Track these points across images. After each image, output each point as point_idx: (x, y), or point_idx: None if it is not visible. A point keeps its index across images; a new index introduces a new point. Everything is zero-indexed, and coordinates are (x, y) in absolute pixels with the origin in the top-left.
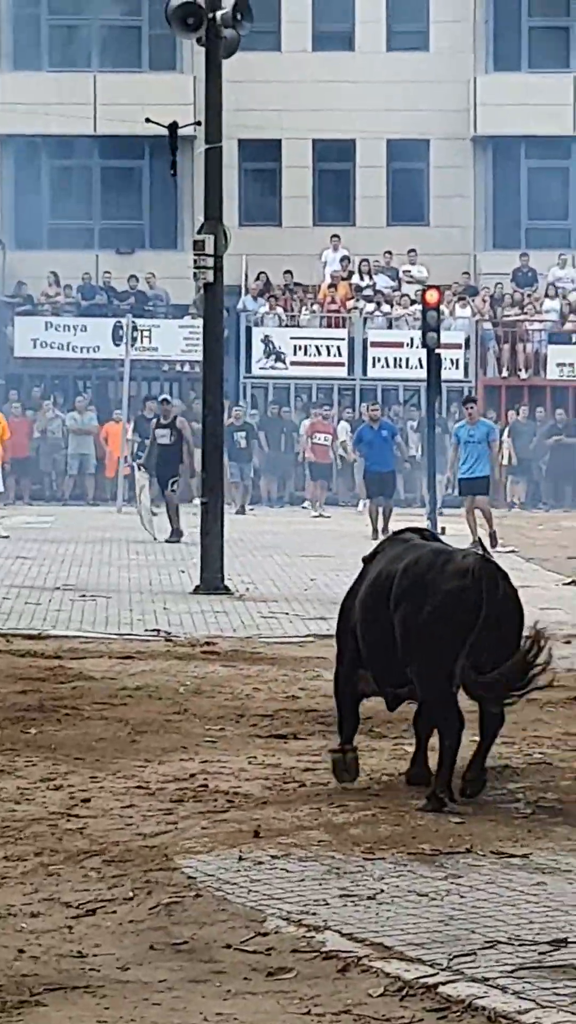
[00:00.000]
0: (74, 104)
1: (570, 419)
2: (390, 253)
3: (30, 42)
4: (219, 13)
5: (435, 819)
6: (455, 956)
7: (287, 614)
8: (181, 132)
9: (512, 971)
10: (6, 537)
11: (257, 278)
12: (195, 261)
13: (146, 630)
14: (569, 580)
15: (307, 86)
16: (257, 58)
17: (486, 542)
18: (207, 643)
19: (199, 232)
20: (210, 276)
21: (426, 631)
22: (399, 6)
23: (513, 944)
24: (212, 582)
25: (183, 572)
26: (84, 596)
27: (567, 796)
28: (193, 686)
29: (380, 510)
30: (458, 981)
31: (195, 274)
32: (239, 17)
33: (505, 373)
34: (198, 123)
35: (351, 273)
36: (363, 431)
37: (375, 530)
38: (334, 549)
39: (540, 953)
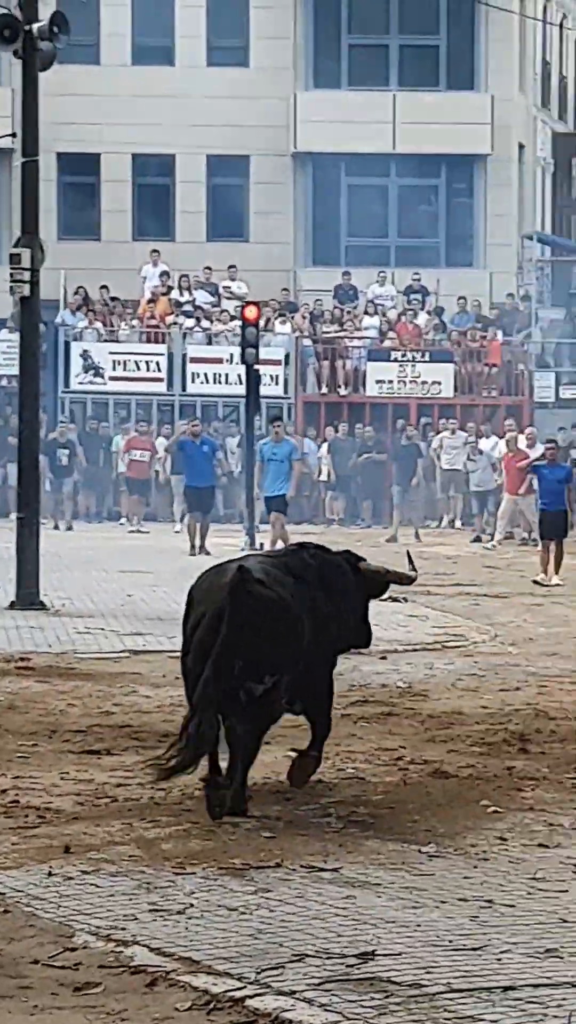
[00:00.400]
0: None
1: (377, 436)
2: (210, 269)
3: None
4: (36, 26)
5: (246, 834)
6: (263, 970)
7: (103, 630)
8: None
9: (319, 984)
10: None
11: (76, 292)
12: (11, 275)
13: None
14: (386, 596)
15: (126, 100)
16: (76, 71)
17: None
18: (21, 659)
19: (15, 246)
20: (26, 290)
21: None
22: (219, 22)
23: (321, 957)
24: (28, 598)
25: None
26: None
27: (378, 811)
28: (6, 702)
29: (199, 526)
30: (265, 994)
31: (11, 288)
32: (56, 30)
33: (324, 390)
34: (13, 135)
35: (170, 288)
36: (184, 445)
37: (193, 546)
38: (151, 565)
39: (348, 966)
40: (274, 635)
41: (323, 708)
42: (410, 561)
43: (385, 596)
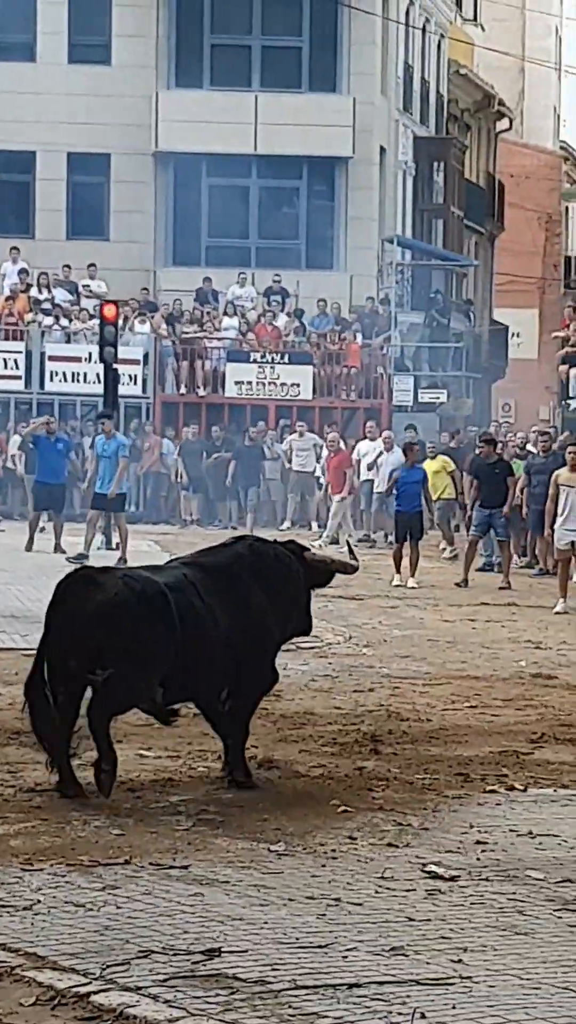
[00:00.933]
0: None
1: (228, 436)
2: (69, 267)
3: None
4: None
5: (96, 831)
6: (109, 966)
7: None
8: None
9: (165, 980)
10: None
11: None
12: None
13: None
14: None
15: None
16: None
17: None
18: None
19: None
20: None
21: None
22: (81, 19)
23: (167, 954)
24: None
25: None
26: None
27: (228, 809)
28: None
29: (53, 524)
30: (110, 990)
31: None
32: None
33: (183, 390)
34: None
35: (29, 286)
36: (38, 441)
37: (31, 540)
38: (6, 563)
39: (194, 963)
40: (107, 633)
41: (246, 697)
42: (351, 552)
43: None
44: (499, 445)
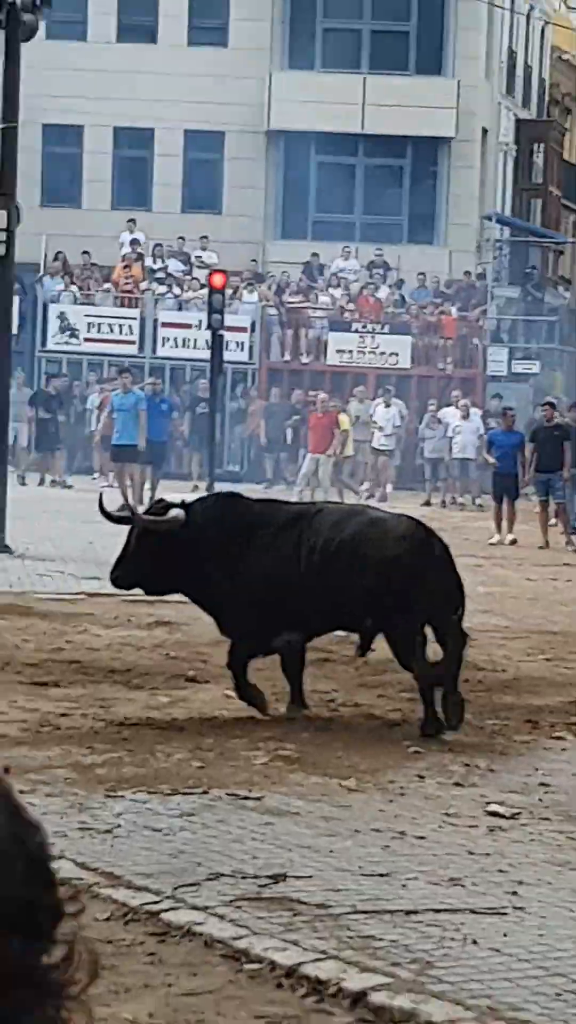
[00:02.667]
0: None
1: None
2: (183, 239)
3: None
4: (15, 1)
5: (178, 763)
6: (180, 886)
7: (62, 573)
8: None
9: (231, 901)
10: None
11: (55, 258)
12: None
13: None
14: None
15: (110, 75)
16: (64, 47)
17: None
18: None
19: None
20: (1, 250)
21: None
22: (201, 3)
23: (236, 877)
24: None
25: None
26: None
27: (305, 747)
28: None
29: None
30: (180, 908)
31: None
32: (38, 3)
33: (288, 357)
34: None
35: (141, 255)
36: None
37: (124, 496)
38: (95, 515)
39: (260, 886)
40: None
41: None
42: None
43: None
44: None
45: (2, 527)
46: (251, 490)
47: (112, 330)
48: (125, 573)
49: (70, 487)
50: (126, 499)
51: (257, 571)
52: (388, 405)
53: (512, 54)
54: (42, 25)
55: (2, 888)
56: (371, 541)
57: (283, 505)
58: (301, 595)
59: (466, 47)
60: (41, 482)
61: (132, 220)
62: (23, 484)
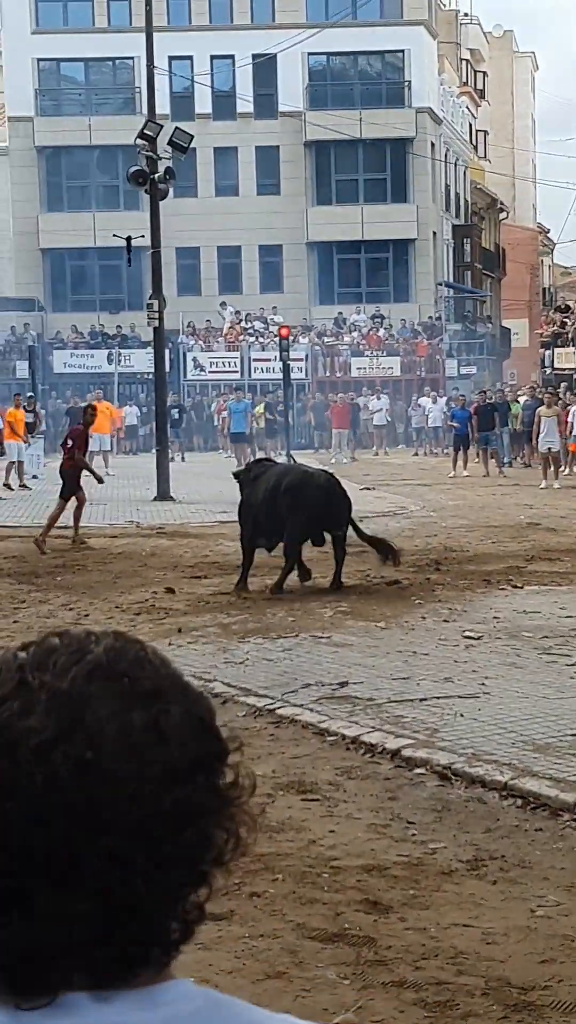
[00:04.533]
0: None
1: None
2: (263, 308)
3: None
4: (155, 175)
5: (279, 618)
6: (285, 693)
7: (205, 510)
8: (137, 243)
9: (316, 700)
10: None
11: (188, 325)
12: (148, 316)
13: (126, 521)
14: (362, 487)
15: (213, 216)
16: (184, 201)
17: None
18: (159, 528)
19: (149, 299)
20: (156, 323)
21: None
22: (262, 169)
23: (318, 686)
24: (164, 494)
25: (148, 489)
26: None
27: (353, 604)
28: (150, 551)
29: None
30: (286, 706)
31: (148, 322)
32: (168, 178)
33: (327, 373)
34: (141, 236)
35: (239, 320)
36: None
37: (239, 462)
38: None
39: (332, 690)
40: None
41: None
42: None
43: (361, 487)
44: (487, 395)
45: (168, 486)
46: (305, 454)
47: (224, 365)
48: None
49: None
50: (240, 464)
51: (252, 501)
52: (379, 398)
53: (447, 186)
54: (171, 190)
55: (187, 750)
56: (296, 484)
57: (273, 465)
58: (264, 517)
59: (420, 185)
60: (182, 459)
61: (223, 303)
62: (183, 460)
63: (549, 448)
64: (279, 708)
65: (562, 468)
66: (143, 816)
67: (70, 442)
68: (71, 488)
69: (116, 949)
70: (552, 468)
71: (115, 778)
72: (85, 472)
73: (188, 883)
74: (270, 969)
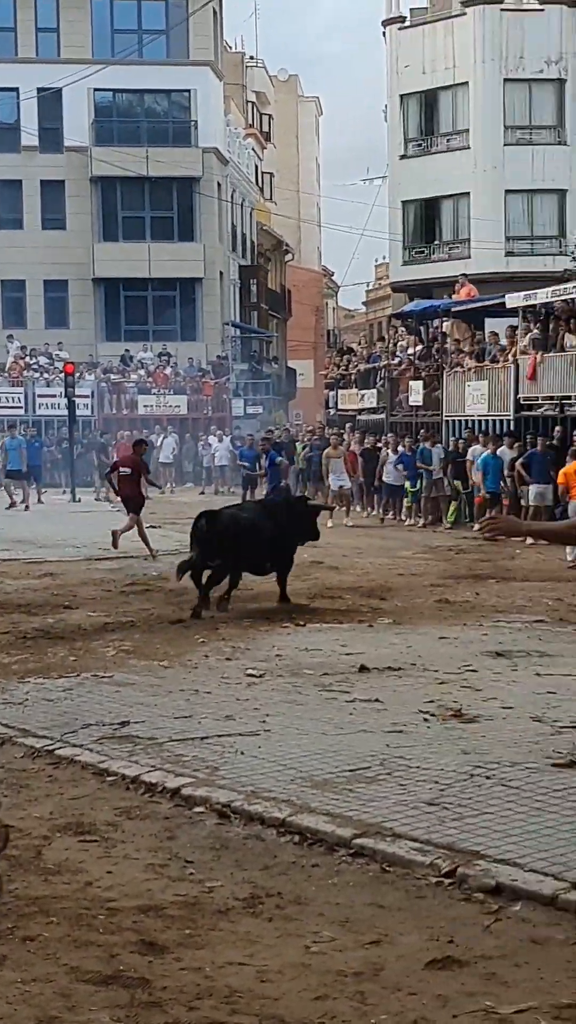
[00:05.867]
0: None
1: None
2: (48, 344)
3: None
4: None
5: (60, 658)
6: (65, 734)
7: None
8: None
9: (96, 740)
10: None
11: None
12: None
13: None
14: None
15: None
16: None
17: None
18: None
19: None
20: None
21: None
22: (48, 202)
23: (99, 725)
24: None
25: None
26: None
27: (136, 642)
28: None
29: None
30: (65, 747)
31: None
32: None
33: (114, 411)
34: None
35: (23, 355)
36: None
37: (12, 501)
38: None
39: (113, 729)
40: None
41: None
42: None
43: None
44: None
45: None
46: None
47: (9, 400)
48: None
49: None
50: (13, 502)
51: None
52: (167, 437)
53: (234, 227)
54: None
55: None
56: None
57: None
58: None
59: (208, 224)
60: None
61: (10, 336)
62: None
63: (340, 487)
64: (58, 749)
65: (353, 506)
66: None
67: None
68: None
69: None
70: (345, 507)
71: None
72: None
73: None
74: (42, 1014)
